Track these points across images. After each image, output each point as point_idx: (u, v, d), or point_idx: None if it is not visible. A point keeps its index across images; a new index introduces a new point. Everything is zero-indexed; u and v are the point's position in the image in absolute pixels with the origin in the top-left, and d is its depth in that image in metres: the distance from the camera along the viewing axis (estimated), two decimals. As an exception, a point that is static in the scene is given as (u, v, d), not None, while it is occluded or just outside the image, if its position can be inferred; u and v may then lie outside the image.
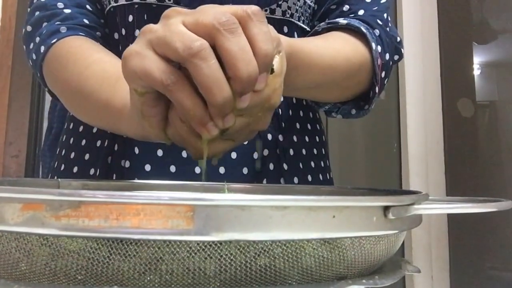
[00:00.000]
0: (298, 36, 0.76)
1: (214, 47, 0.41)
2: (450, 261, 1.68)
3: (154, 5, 0.70)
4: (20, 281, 0.35)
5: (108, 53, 0.68)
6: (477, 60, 1.86)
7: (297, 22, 0.76)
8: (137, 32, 0.71)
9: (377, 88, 0.72)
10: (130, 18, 0.71)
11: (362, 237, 0.38)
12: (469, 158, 1.73)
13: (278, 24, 0.73)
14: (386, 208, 0.37)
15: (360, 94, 0.74)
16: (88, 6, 0.73)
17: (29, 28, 0.73)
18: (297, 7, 0.75)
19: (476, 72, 1.85)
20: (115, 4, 0.72)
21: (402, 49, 0.77)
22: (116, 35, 0.74)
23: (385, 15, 0.75)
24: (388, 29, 0.74)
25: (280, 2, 0.73)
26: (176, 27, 0.41)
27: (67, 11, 0.71)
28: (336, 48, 0.66)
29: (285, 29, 0.74)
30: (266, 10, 0.72)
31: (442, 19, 1.81)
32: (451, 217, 1.69)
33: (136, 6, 0.71)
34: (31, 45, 0.72)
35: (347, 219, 0.35)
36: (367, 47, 0.70)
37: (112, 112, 0.58)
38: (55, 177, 0.76)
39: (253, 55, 0.41)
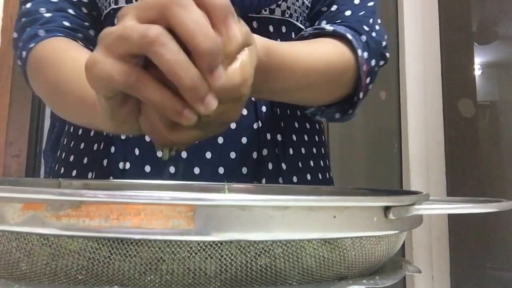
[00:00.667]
0: (296, 36, 0.76)
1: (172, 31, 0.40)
2: (450, 261, 1.68)
3: None
4: (21, 281, 0.35)
5: (82, 50, 0.68)
6: (478, 60, 1.86)
7: (296, 22, 0.76)
8: None
9: (361, 94, 0.72)
10: None
11: (363, 237, 0.38)
12: (470, 158, 1.73)
13: (277, 24, 0.74)
14: (386, 208, 0.37)
15: (344, 98, 0.74)
16: (70, 10, 0.74)
17: (15, 34, 0.74)
18: (296, 7, 0.75)
19: (477, 72, 1.85)
20: (115, 6, 0.73)
21: (387, 54, 0.77)
22: None
23: (371, 20, 0.75)
24: (374, 33, 0.74)
25: (279, 2, 0.73)
26: (129, 22, 0.40)
27: (48, 15, 0.72)
28: (318, 51, 0.66)
29: (283, 29, 0.75)
30: (265, 10, 0.72)
31: (443, 19, 1.81)
32: (452, 217, 1.69)
33: None
34: (17, 51, 0.73)
35: (347, 219, 0.35)
36: (353, 53, 0.70)
37: (85, 108, 0.58)
38: (56, 179, 0.76)
39: (210, 26, 0.40)
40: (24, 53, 0.70)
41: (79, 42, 0.72)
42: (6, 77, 1.78)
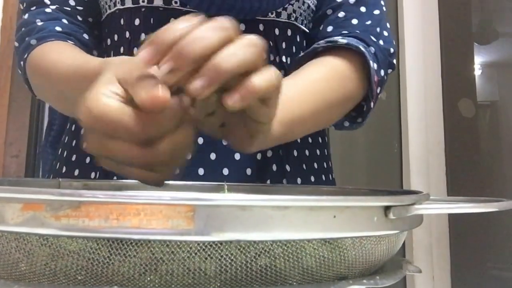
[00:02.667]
0: (300, 39, 0.77)
1: None
2: (451, 261, 1.68)
3: (161, 8, 0.70)
4: (20, 282, 0.35)
5: (73, 48, 0.70)
6: (478, 60, 1.86)
7: (300, 25, 0.77)
8: (143, 36, 0.71)
9: (372, 104, 0.73)
10: (137, 21, 0.71)
11: (363, 237, 0.38)
12: (470, 158, 1.73)
13: (282, 27, 0.75)
14: (387, 208, 0.37)
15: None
16: (64, 20, 0.74)
17: (16, 44, 0.77)
18: (301, 11, 0.76)
19: (477, 72, 1.85)
20: (121, 7, 0.72)
21: (394, 61, 0.78)
22: (115, 37, 0.74)
23: (378, 29, 0.76)
24: (381, 41, 0.75)
25: (285, 6, 0.73)
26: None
27: (41, 23, 0.73)
28: (332, 79, 0.68)
29: (289, 32, 0.75)
30: (272, 13, 0.73)
31: (443, 20, 1.81)
32: (452, 217, 1.69)
33: (143, 9, 0.71)
34: (18, 62, 0.76)
35: (348, 219, 0.35)
36: (363, 67, 0.71)
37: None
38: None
39: None
40: (22, 63, 0.73)
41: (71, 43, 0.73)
42: (5, 78, 1.78)
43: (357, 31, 0.74)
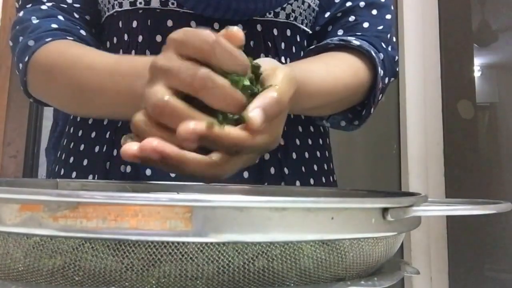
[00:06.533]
0: (301, 39, 0.77)
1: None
2: (449, 262, 1.68)
3: (158, 10, 0.70)
4: (18, 282, 0.35)
5: (87, 48, 0.69)
6: (478, 61, 1.86)
7: (300, 25, 0.76)
8: (140, 38, 0.71)
9: (372, 109, 0.75)
10: (134, 23, 0.71)
11: (361, 238, 0.38)
12: (469, 160, 1.73)
13: (281, 28, 0.74)
14: (385, 210, 0.37)
15: (351, 108, 0.76)
16: (60, 17, 0.72)
17: (10, 43, 0.74)
18: (301, 10, 0.75)
19: (477, 73, 1.86)
20: (119, 9, 0.72)
21: (397, 69, 0.80)
22: (115, 40, 0.74)
23: (388, 35, 0.77)
24: (390, 48, 0.77)
25: (284, 5, 0.73)
26: (174, 58, 0.44)
27: (36, 21, 0.71)
28: (336, 76, 0.69)
29: (288, 32, 0.75)
30: (270, 13, 0.72)
31: (443, 21, 1.81)
32: (450, 219, 1.69)
33: (141, 11, 0.71)
34: (15, 62, 0.73)
35: (345, 221, 0.35)
36: (371, 70, 0.73)
37: (122, 101, 0.60)
38: (55, 180, 0.76)
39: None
40: (21, 65, 0.70)
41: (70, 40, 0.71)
42: (4, 78, 1.78)
43: (368, 35, 0.75)
